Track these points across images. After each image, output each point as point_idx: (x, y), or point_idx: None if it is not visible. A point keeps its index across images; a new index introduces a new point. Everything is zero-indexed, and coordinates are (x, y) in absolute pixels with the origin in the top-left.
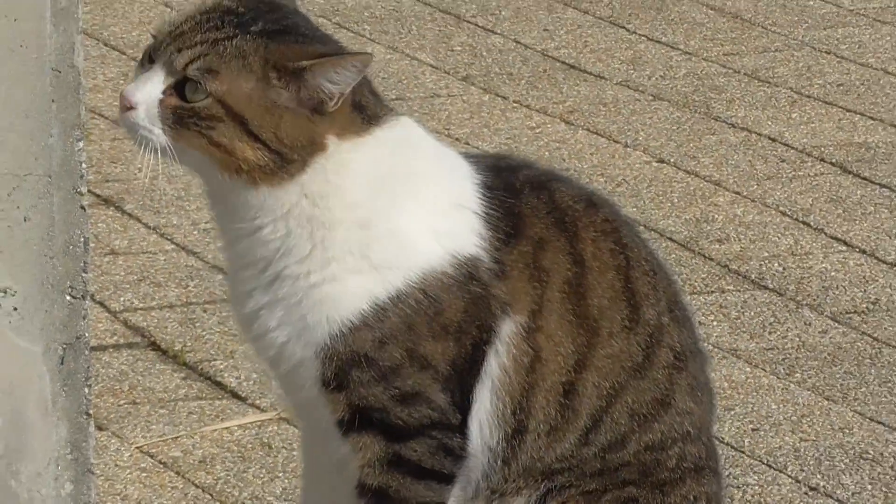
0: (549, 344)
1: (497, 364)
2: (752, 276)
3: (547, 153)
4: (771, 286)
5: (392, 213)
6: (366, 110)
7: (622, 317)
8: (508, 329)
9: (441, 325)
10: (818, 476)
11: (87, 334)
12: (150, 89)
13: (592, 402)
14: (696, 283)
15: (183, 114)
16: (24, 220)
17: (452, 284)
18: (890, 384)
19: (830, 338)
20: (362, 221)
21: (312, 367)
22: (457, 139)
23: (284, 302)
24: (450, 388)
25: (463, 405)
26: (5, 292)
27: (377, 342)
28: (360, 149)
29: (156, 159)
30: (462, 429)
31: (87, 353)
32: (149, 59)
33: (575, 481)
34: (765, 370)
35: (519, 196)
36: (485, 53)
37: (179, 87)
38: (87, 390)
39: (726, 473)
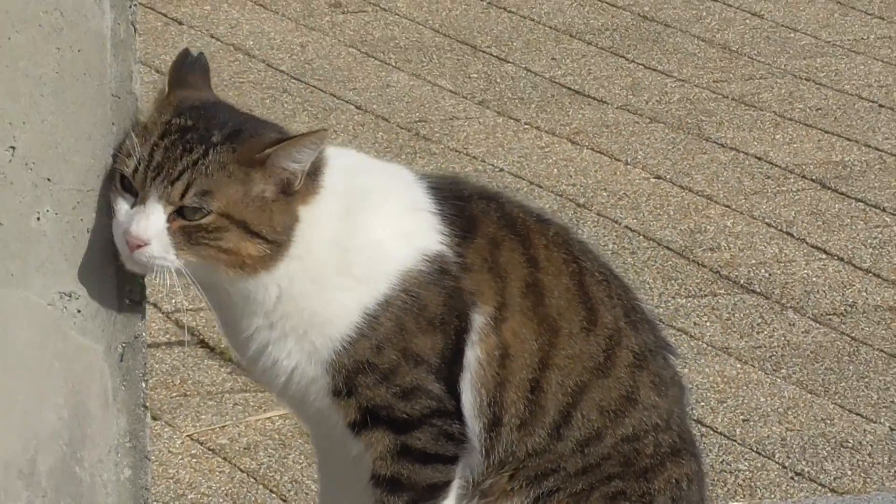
0: (515, 341)
1: (473, 356)
2: (741, 282)
3: (555, 170)
4: (758, 290)
5: (360, 230)
6: (310, 171)
7: (580, 318)
8: (479, 320)
9: (427, 320)
10: (803, 463)
11: (144, 334)
12: (155, 222)
13: (558, 398)
14: (691, 288)
15: (191, 231)
16: (87, 232)
17: (429, 280)
18: (867, 379)
19: (812, 337)
20: (340, 248)
21: (323, 381)
22: (474, 157)
23: (293, 334)
24: (443, 378)
25: (454, 394)
26: (70, 296)
27: (375, 348)
28: (320, 204)
29: (174, 280)
30: (459, 415)
31: (144, 350)
32: (126, 189)
33: (562, 484)
34: (753, 366)
35: (469, 200)
36: (499, 80)
37: (180, 210)
38: (143, 385)
39: (720, 460)
